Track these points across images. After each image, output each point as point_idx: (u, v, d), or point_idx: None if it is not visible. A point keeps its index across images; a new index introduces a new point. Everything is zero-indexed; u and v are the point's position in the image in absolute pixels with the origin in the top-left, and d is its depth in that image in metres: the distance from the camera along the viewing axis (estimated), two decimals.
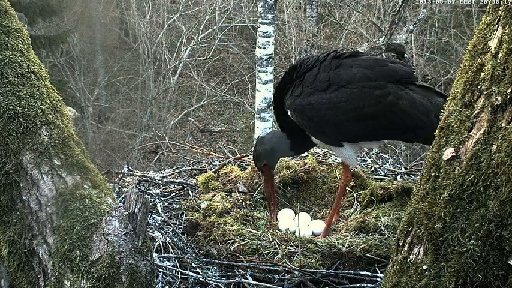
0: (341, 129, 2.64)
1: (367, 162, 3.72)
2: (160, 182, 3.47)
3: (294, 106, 2.68)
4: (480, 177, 1.33)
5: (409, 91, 2.58)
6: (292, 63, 3.18)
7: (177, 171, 3.66)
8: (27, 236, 1.87)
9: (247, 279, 2.46)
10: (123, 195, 3.12)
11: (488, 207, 1.31)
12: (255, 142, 3.13)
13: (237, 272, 2.52)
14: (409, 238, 1.53)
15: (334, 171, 3.33)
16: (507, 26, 1.30)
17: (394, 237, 2.60)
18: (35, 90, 2.00)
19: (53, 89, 2.12)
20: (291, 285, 2.43)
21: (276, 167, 3.33)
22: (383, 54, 4.96)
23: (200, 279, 2.46)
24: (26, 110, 1.94)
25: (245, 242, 2.65)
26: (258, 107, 7.47)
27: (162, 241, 2.70)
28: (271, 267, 2.50)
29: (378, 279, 2.41)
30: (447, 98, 2.52)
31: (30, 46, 2.12)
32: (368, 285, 2.41)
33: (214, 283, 2.43)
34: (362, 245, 2.57)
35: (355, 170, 3.35)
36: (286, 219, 3.01)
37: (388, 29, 4.83)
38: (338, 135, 2.69)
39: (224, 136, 13.81)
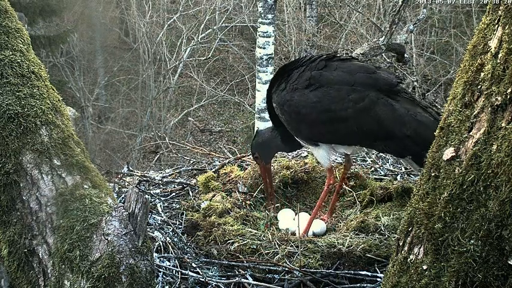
0: (314, 129, 2.68)
1: (367, 162, 3.72)
2: (160, 182, 3.47)
3: (278, 101, 2.76)
4: (480, 177, 1.33)
5: (390, 100, 2.54)
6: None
7: (177, 171, 3.66)
8: (27, 236, 1.87)
9: (247, 279, 2.46)
10: (123, 195, 3.12)
11: (488, 207, 1.31)
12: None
13: (237, 272, 2.52)
14: (409, 238, 1.53)
15: (334, 171, 3.33)
16: (507, 26, 1.30)
17: (394, 237, 2.59)
18: (35, 90, 2.00)
19: (53, 89, 2.12)
20: (291, 285, 2.43)
21: (276, 167, 3.33)
22: (383, 54, 4.96)
23: (200, 279, 2.46)
24: (26, 110, 1.94)
25: (245, 242, 2.65)
26: (258, 107, 7.48)
27: (162, 241, 2.70)
28: (271, 267, 2.50)
29: (378, 279, 2.41)
30: (433, 114, 2.51)
31: (30, 46, 2.12)
32: (368, 285, 2.41)
33: (214, 283, 2.43)
34: (362, 245, 2.57)
35: (355, 169, 3.36)
36: (286, 219, 3.01)
37: (388, 29, 4.83)
38: (312, 135, 2.73)
39: (224, 136, 13.81)
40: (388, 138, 2.53)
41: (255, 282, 2.43)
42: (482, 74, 1.36)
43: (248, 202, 3.14)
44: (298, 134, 2.78)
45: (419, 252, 1.48)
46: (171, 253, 2.64)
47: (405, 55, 5.22)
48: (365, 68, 2.67)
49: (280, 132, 2.93)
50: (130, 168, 3.69)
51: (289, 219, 3.01)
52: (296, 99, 2.66)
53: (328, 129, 2.64)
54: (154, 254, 2.56)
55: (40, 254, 1.85)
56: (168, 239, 2.72)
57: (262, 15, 7.30)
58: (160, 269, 2.50)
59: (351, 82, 2.58)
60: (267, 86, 2.96)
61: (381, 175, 3.50)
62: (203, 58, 13.65)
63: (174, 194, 3.30)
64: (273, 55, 7.64)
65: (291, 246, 2.62)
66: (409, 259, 1.51)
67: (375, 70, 2.65)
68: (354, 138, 2.65)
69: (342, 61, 2.71)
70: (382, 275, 2.39)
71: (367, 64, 2.83)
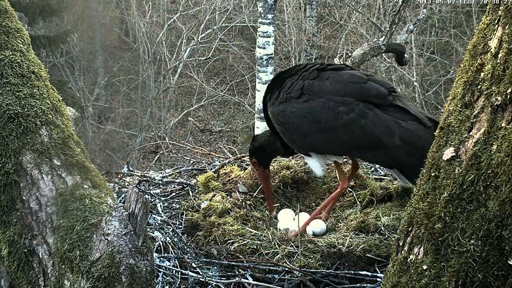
0: (307, 139, 2.70)
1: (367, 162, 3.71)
2: (160, 182, 3.47)
3: (272, 111, 2.78)
4: (480, 177, 1.33)
5: (379, 111, 2.54)
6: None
7: (177, 171, 3.66)
8: (27, 236, 1.87)
9: (247, 279, 2.46)
10: (123, 195, 3.12)
11: (488, 207, 1.31)
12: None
13: (237, 272, 2.52)
14: (409, 238, 1.53)
15: (334, 171, 3.32)
16: (507, 26, 1.30)
17: (394, 237, 2.59)
18: (35, 90, 2.00)
19: (53, 89, 2.12)
20: (291, 285, 2.43)
21: (276, 167, 3.33)
22: (383, 54, 4.96)
23: (200, 279, 2.46)
24: (26, 110, 1.94)
25: (245, 242, 2.65)
26: (258, 107, 7.47)
27: (162, 241, 2.70)
28: (271, 267, 2.50)
29: (378, 279, 2.41)
30: (424, 121, 2.49)
31: (30, 46, 2.12)
32: (368, 285, 2.41)
33: (214, 283, 2.43)
34: (362, 245, 2.56)
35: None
36: (286, 219, 3.01)
37: (388, 29, 4.84)
38: (305, 145, 2.74)
39: (224, 136, 13.81)
40: (377, 149, 2.53)
41: (255, 282, 2.43)
42: (482, 74, 1.36)
43: (248, 202, 3.14)
44: (293, 143, 2.80)
45: (419, 252, 1.48)
46: (171, 253, 2.63)
47: (405, 55, 5.22)
48: (357, 77, 2.67)
49: (280, 138, 2.92)
50: (131, 168, 3.69)
51: (289, 219, 3.01)
52: (289, 110, 2.69)
53: (319, 139, 2.66)
54: (154, 254, 2.56)
55: (40, 254, 1.85)
56: (168, 239, 2.72)
57: (262, 15, 7.30)
58: (160, 269, 2.50)
59: (341, 93, 2.60)
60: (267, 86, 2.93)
61: (381, 175, 3.50)
62: (203, 58, 13.66)
63: (174, 194, 3.30)
64: (273, 55, 7.63)
65: (291, 246, 2.62)
66: (409, 259, 1.52)
67: (366, 79, 2.65)
68: (344, 148, 2.66)
69: (334, 70, 2.71)
70: (382, 275, 2.39)
71: (360, 72, 2.79)
